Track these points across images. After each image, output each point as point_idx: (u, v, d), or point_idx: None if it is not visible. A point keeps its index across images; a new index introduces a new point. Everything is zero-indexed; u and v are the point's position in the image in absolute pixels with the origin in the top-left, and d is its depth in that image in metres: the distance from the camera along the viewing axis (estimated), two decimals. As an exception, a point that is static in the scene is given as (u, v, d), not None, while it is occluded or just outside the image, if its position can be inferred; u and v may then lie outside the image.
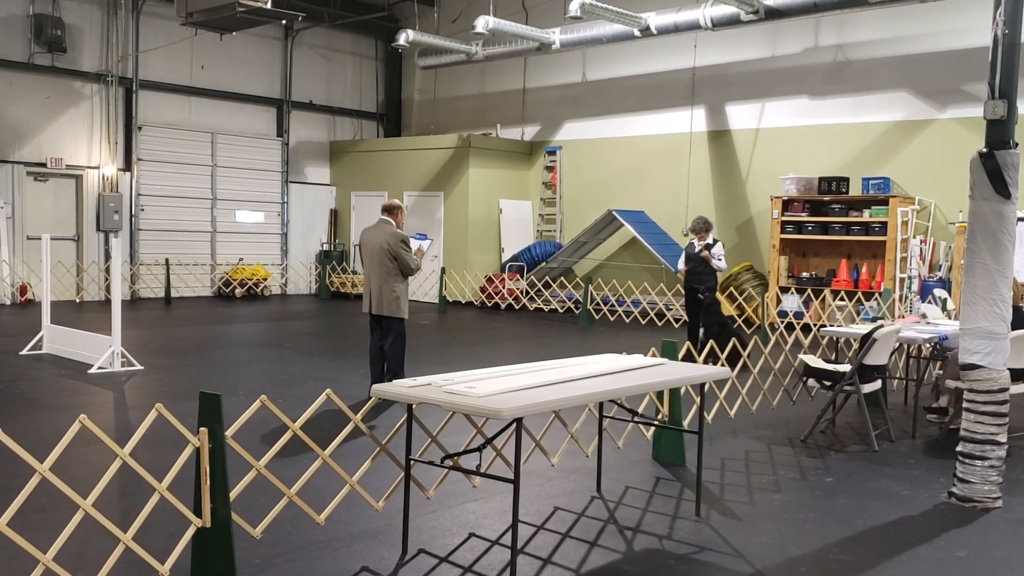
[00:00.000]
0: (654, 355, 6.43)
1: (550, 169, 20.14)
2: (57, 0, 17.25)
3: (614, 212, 17.44)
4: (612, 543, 4.91)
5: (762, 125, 17.13)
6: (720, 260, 11.41)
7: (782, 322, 14.80)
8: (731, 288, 16.42)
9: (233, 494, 4.11)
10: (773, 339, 9.01)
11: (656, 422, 6.50)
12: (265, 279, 20.26)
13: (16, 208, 17.13)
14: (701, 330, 11.31)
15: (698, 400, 5.62)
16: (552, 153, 20.08)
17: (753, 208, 17.19)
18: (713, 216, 17.63)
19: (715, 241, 11.59)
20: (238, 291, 19.77)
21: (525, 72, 20.61)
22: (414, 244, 8.83)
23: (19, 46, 16.99)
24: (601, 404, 5.88)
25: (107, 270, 18.01)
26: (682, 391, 6.65)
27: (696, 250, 11.48)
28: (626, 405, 5.88)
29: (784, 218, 15.78)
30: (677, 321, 16.23)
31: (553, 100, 20.23)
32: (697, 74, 17.82)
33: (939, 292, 11.30)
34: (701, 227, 11.56)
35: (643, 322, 16.43)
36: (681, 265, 11.85)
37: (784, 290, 15.84)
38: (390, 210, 8.69)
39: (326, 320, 16.12)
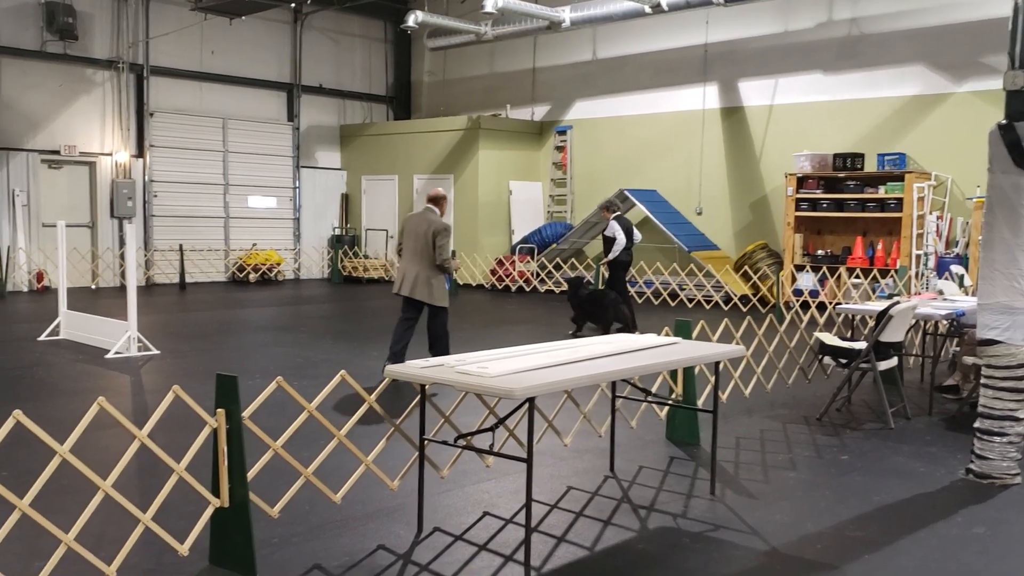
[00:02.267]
0: (667, 334, 6.42)
1: (560, 149, 20.08)
2: (67, -13, 17.28)
3: (626, 191, 17.38)
4: (626, 522, 4.93)
5: (776, 101, 17.01)
6: (616, 243, 12.78)
7: (797, 300, 14.76)
8: (746, 266, 16.37)
9: (251, 474, 4.14)
10: (788, 317, 8.98)
11: (670, 401, 6.50)
12: (278, 264, 20.33)
13: (31, 196, 17.24)
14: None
15: (712, 379, 5.62)
16: (563, 133, 20.01)
17: (767, 185, 17.10)
18: (727, 194, 17.59)
19: (612, 220, 12.95)
20: (252, 276, 19.84)
21: (535, 51, 20.52)
22: None
23: (31, 34, 17.04)
24: (614, 384, 5.88)
25: (122, 256, 18.11)
26: (696, 370, 6.65)
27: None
28: (639, 385, 5.88)
29: (799, 195, 15.70)
30: (691, 301, 16.20)
31: (563, 79, 20.13)
32: (709, 50, 17.69)
33: (956, 268, 11.23)
34: (604, 206, 13.23)
35: (656, 302, 16.41)
36: (628, 240, 13.00)
37: (799, 268, 15.77)
38: (436, 200, 8.93)
39: (339, 304, 16.17)
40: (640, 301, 16.51)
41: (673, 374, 6.58)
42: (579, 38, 19.58)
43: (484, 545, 4.53)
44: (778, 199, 16.63)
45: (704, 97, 17.80)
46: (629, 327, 11.77)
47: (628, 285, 13.58)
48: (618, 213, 13.41)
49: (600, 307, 12.01)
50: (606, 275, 13.37)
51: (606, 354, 4.97)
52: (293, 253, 21.37)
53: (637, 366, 4.83)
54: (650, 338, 5.62)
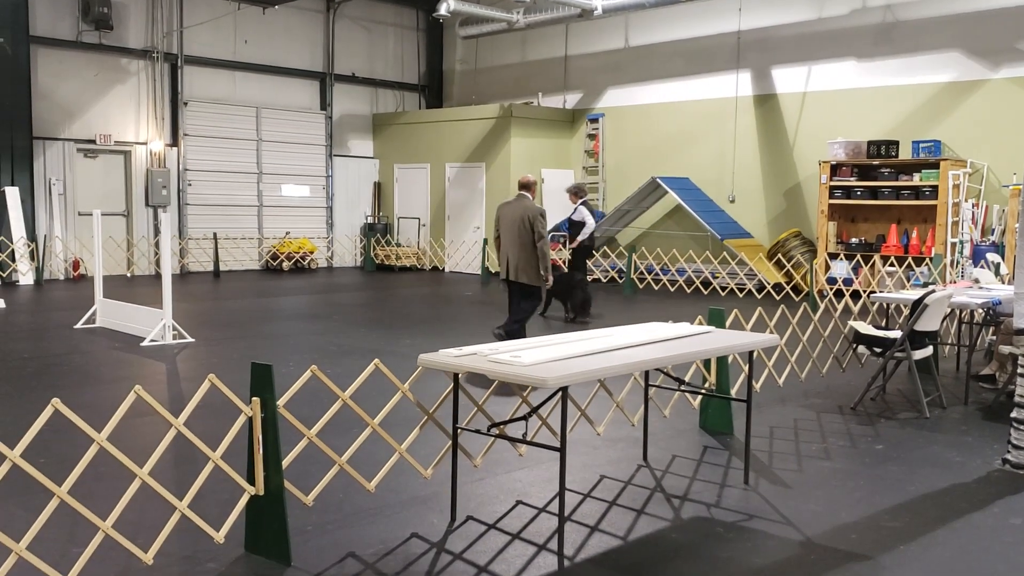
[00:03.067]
0: (700, 323, 6.38)
1: (592, 137, 19.99)
2: (102, -22, 17.45)
3: (658, 179, 17.29)
4: (659, 511, 4.92)
5: (809, 89, 16.81)
6: (585, 227, 13.33)
7: (831, 289, 14.61)
8: (779, 254, 16.23)
9: (285, 462, 4.17)
10: (822, 306, 8.88)
11: (703, 391, 6.47)
12: (311, 252, 20.46)
13: (67, 185, 17.48)
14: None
15: (746, 368, 5.57)
16: (594, 121, 19.92)
17: (801, 173, 16.92)
18: (760, 181, 17.43)
19: (579, 205, 13.42)
20: (285, 264, 19.99)
21: (567, 39, 20.42)
22: None
23: (67, 25, 17.25)
24: (647, 373, 5.85)
25: (156, 245, 18.32)
26: (729, 359, 6.60)
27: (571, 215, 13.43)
28: (672, 374, 5.85)
29: (832, 183, 15.52)
30: (724, 289, 16.09)
31: (595, 67, 20.02)
32: (742, 37, 17.50)
33: (992, 256, 11.05)
34: (571, 191, 13.58)
35: (688, 290, 16.33)
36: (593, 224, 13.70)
37: (833, 256, 15.61)
38: (527, 186, 9.40)
39: (372, 292, 16.25)
40: (672, 289, 16.44)
41: (706, 363, 6.55)
42: (611, 25, 19.45)
43: (517, 534, 4.54)
44: (811, 187, 16.45)
45: (737, 84, 17.62)
46: (586, 311, 12.30)
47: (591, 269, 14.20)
48: (585, 198, 13.84)
49: (569, 287, 12.31)
50: (568, 259, 13.97)
51: (639, 343, 4.95)
52: (326, 241, 21.49)
53: (671, 355, 4.80)
54: (684, 327, 5.58)
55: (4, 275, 16.13)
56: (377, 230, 21.60)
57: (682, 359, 4.93)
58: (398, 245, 21.43)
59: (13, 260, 16.19)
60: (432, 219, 21.22)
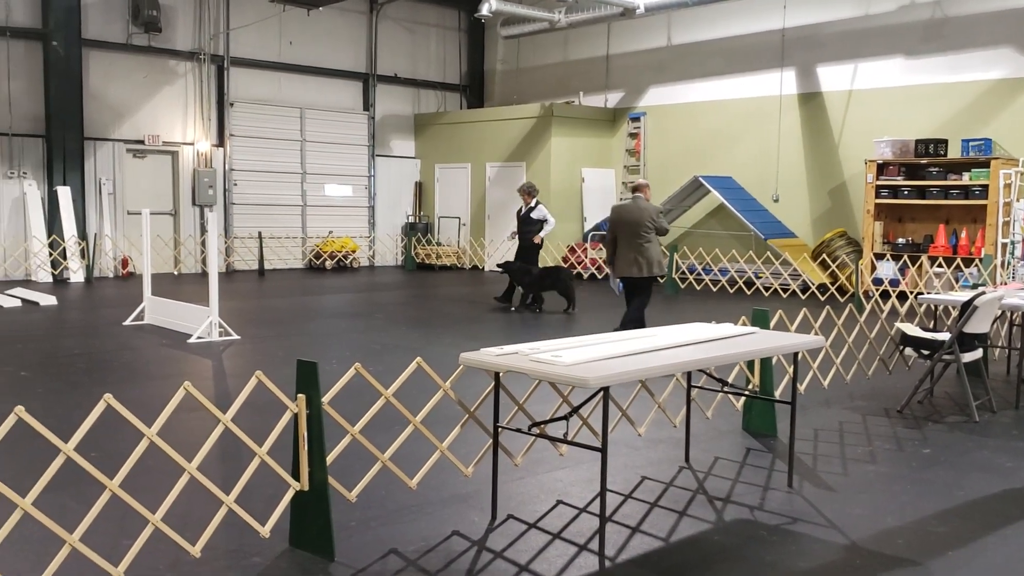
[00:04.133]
0: (744, 324, 6.33)
1: (634, 136, 19.91)
2: (151, -19, 17.77)
3: (700, 178, 17.17)
4: (702, 513, 4.89)
5: (855, 87, 16.58)
6: (547, 223, 13.62)
7: (877, 290, 14.40)
8: (824, 255, 16.03)
9: (329, 459, 4.22)
10: (868, 307, 8.76)
11: (746, 392, 6.41)
12: (354, 251, 20.64)
13: (117, 184, 17.82)
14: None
15: (790, 370, 5.52)
16: (636, 119, 19.84)
17: (846, 172, 16.70)
18: (804, 181, 17.24)
19: (537, 203, 13.65)
20: (328, 263, 20.19)
21: (608, 38, 20.36)
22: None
23: (118, 27, 17.58)
24: (689, 374, 5.82)
25: (203, 243, 18.61)
26: (773, 361, 6.54)
27: (522, 212, 13.72)
28: (715, 375, 5.81)
29: (879, 182, 15.29)
30: (767, 290, 15.94)
31: (637, 66, 19.94)
32: (787, 35, 17.32)
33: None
34: (524, 190, 13.70)
35: (731, 291, 16.20)
36: (514, 227, 14.15)
37: (879, 257, 15.38)
38: (642, 187, 10.11)
39: (412, 291, 16.35)
40: (715, 289, 16.32)
41: (750, 364, 6.49)
42: (653, 24, 19.36)
43: (558, 534, 4.54)
44: (857, 186, 16.23)
45: (781, 82, 17.44)
46: (538, 304, 13.19)
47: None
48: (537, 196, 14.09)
49: (559, 280, 12.98)
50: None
51: (682, 343, 4.93)
52: (368, 240, 21.67)
53: (714, 356, 4.77)
54: (727, 328, 5.54)
55: (56, 272, 16.49)
56: (418, 229, 21.73)
57: (725, 360, 4.89)
58: (438, 244, 21.54)
59: (64, 258, 16.54)
60: (472, 218, 21.29)
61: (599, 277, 18.44)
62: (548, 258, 19.03)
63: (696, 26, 18.75)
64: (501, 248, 20.21)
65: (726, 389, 6.02)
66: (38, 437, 3.48)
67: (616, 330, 8.42)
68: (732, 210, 16.76)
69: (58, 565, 3.49)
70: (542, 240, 13.84)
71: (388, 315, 12.81)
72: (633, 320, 9.98)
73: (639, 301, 10.13)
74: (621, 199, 20.27)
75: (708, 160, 18.37)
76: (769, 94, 17.62)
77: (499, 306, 13.50)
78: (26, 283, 15.86)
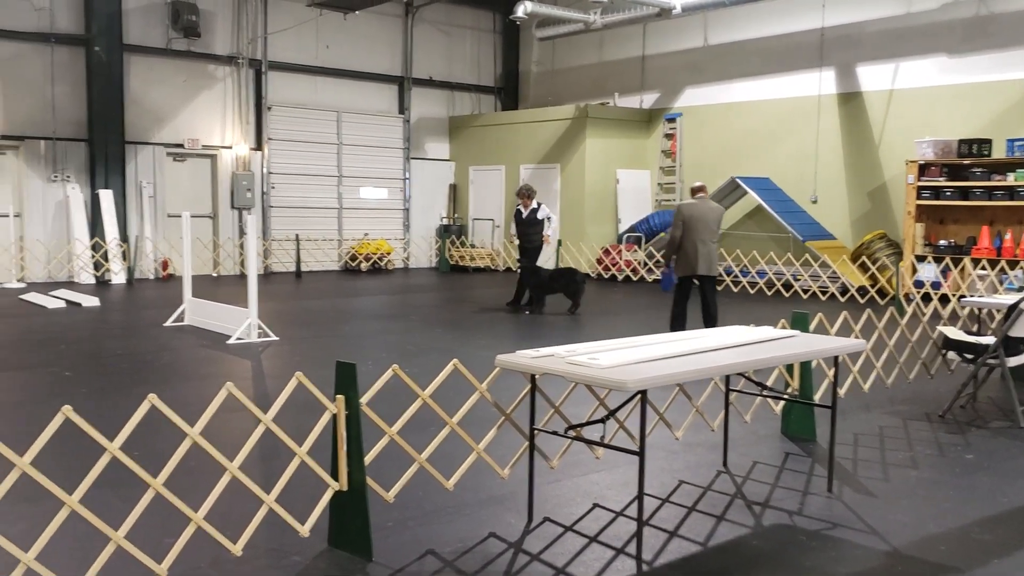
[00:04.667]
0: (784, 327, 6.27)
1: (670, 137, 19.81)
2: (191, -13, 18.02)
3: (737, 179, 17.04)
4: (740, 517, 4.85)
5: (896, 86, 16.36)
6: (550, 223, 13.57)
7: (918, 292, 14.20)
8: (863, 257, 15.83)
9: (367, 459, 4.24)
10: (910, 310, 8.63)
11: (786, 396, 6.35)
12: (388, 253, 20.75)
13: (157, 187, 18.07)
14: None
15: (830, 373, 5.46)
16: (672, 120, 19.74)
17: (886, 173, 16.48)
18: (843, 182, 17.05)
19: (539, 204, 13.54)
20: (363, 265, 20.32)
21: (644, 39, 20.28)
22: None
23: (158, 33, 17.84)
24: (728, 377, 5.78)
25: (241, 246, 18.82)
26: (813, 364, 6.47)
27: (523, 215, 13.51)
28: (754, 378, 5.76)
29: (920, 183, 15.07)
30: (805, 292, 15.78)
31: (673, 66, 19.85)
32: (826, 34, 17.14)
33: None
34: (525, 193, 13.50)
35: (768, 293, 16.05)
36: (513, 229, 14.00)
37: (920, 259, 15.15)
38: (704, 189, 10.45)
39: (447, 293, 16.40)
40: (752, 292, 16.19)
41: (789, 367, 6.43)
42: (690, 24, 19.26)
43: (595, 537, 4.53)
44: (898, 187, 16.01)
45: (820, 82, 17.26)
46: (539, 305, 13.33)
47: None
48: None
49: (572, 281, 13.14)
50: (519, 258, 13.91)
51: (721, 347, 4.89)
52: (402, 242, 21.77)
53: (753, 359, 4.73)
54: (766, 330, 5.50)
55: (98, 274, 16.76)
56: (452, 231, 21.80)
57: (765, 363, 4.85)
58: (472, 246, 21.59)
59: (107, 260, 16.81)
60: (506, 220, 21.30)
61: (633, 279, 18.37)
62: (570, 259, 19.01)
63: (733, 26, 18.62)
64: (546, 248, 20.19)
65: (765, 393, 5.97)
66: (83, 436, 3.55)
67: (670, 328, 8.72)
68: (770, 211, 16.61)
69: (104, 562, 3.55)
70: (539, 245, 13.67)
71: (422, 317, 12.87)
72: (709, 318, 10.18)
73: (707, 300, 10.26)
74: (662, 200, 20.18)
75: (745, 161, 18.23)
76: (807, 94, 17.45)
77: (536, 310, 13.46)
78: (69, 284, 16.14)
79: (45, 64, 16.62)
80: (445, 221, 22.41)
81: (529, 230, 13.52)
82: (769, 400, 6.75)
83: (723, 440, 5.89)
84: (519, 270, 13.67)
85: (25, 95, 16.52)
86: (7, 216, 16.37)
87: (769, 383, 6.48)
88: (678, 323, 10.35)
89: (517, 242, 13.86)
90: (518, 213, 13.68)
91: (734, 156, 18.49)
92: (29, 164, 16.69)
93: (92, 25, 16.71)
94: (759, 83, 18.27)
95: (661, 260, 15.34)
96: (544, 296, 13.37)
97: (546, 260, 19.31)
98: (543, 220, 13.52)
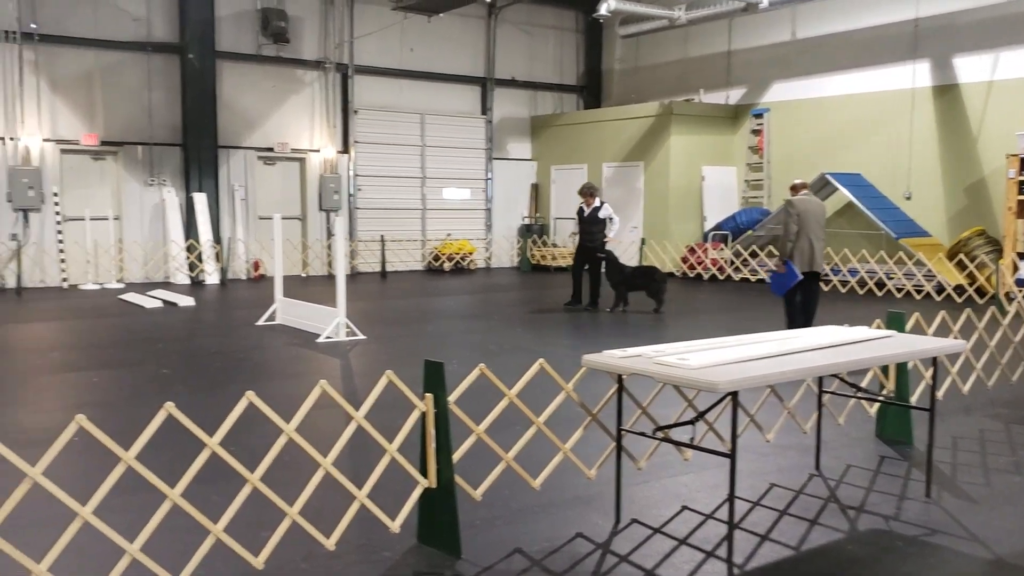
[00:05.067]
0: (879, 327, 6.09)
1: (757, 133, 19.45)
2: (280, -6, 18.49)
3: (827, 175, 16.63)
4: (834, 522, 4.73)
5: (996, 77, 15.72)
6: (612, 224, 13.41)
7: (1020, 291, 13.62)
8: (960, 254, 15.27)
9: (455, 457, 4.28)
10: (1012, 309, 8.30)
11: (881, 398, 6.16)
12: (471, 253, 20.90)
13: (248, 190, 18.57)
14: (622, 285, 13.24)
15: (928, 375, 5.28)
16: (759, 116, 19.38)
17: (985, 168, 15.86)
18: (939, 177, 16.49)
19: (602, 203, 13.46)
20: (446, 265, 20.51)
21: (730, 34, 19.96)
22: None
23: (248, 39, 18.34)
24: (821, 378, 5.64)
25: (329, 247, 19.21)
26: (910, 365, 6.27)
27: (585, 214, 13.43)
28: (848, 380, 5.62)
29: (1022, 178, 14.45)
30: (899, 291, 15.31)
31: (760, 61, 19.48)
32: (920, 25, 16.58)
33: None
34: (587, 191, 13.43)
35: (860, 292, 15.63)
36: (575, 227, 14.04)
37: (1022, 256, 14.53)
38: (806, 185, 10.31)
39: (528, 292, 16.43)
40: (843, 291, 15.80)
41: (884, 369, 6.24)
42: (777, 18, 18.87)
43: (684, 539, 4.47)
44: (998, 182, 15.38)
45: (914, 75, 16.71)
46: (594, 303, 13.34)
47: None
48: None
49: (652, 280, 13.07)
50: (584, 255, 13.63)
51: (814, 347, 4.78)
52: (484, 242, 21.90)
53: (849, 360, 4.61)
54: (861, 331, 5.35)
55: (193, 275, 17.32)
56: (533, 231, 21.83)
57: (860, 364, 4.72)
58: (554, 246, 21.57)
59: (201, 261, 17.35)
60: (591, 220, 21.21)
61: (720, 278, 18.11)
62: (654, 257, 18.81)
63: (823, 19, 18.17)
64: (617, 249, 20.06)
65: (859, 394, 5.81)
66: (182, 431, 3.67)
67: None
68: (861, 208, 16.17)
69: (203, 555, 3.66)
70: (605, 242, 13.55)
71: (504, 316, 12.92)
72: (809, 316, 9.98)
73: (813, 297, 10.08)
74: (749, 197, 19.84)
75: (835, 157, 17.77)
76: (901, 87, 16.91)
77: (617, 308, 13.37)
78: (165, 285, 16.72)
79: (142, 72, 17.25)
80: (527, 221, 22.46)
81: (591, 228, 13.40)
82: (863, 402, 6.56)
83: (815, 443, 5.75)
84: (601, 256, 13.41)
85: (123, 102, 17.17)
86: (107, 219, 17.05)
87: (863, 384, 6.31)
88: (799, 321, 9.99)
89: (577, 241, 13.79)
90: (580, 211, 13.61)
91: (824, 152, 18.05)
92: (127, 169, 17.34)
93: (186, 33, 17.27)
94: (850, 77, 17.79)
95: (762, 256, 15.01)
96: (626, 294, 13.25)
97: (630, 259, 19.22)
98: (605, 220, 13.37)
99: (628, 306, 13.25)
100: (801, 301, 10.00)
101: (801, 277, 9.71)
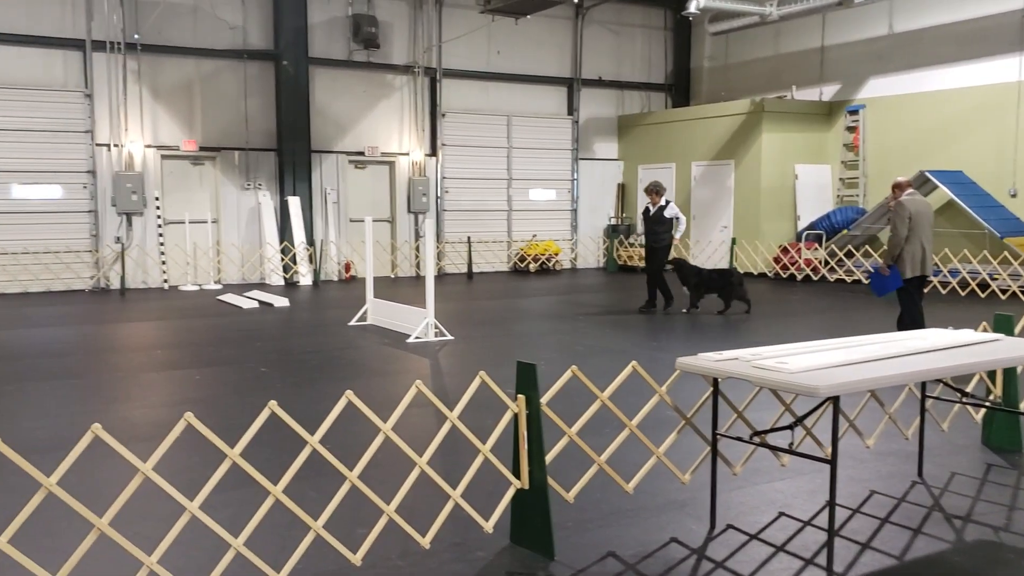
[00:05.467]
0: (985, 330, 5.86)
1: (852, 130, 18.93)
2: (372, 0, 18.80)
3: (927, 173, 16.07)
4: (938, 531, 4.56)
5: (1110, 67, 14.95)
6: (679, 224, 13.11)
7: None
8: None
9: (547, 459, 4.28)
10: None
11: (987, 403, 5.92)
12: (556, 254, 20.89)
13: (340, 193, 18.96)
14: (688, 286, 13.07)
15: (1040, 380, 5.05)
16: (854, 112, 18.85)
17: (1098, 163, 15.09)
18: (1047, 174, 15.76)
19: (668, 202, 13.15)
20: (532, 266, 20.55)
21: (823, 29, 19.47)
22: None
23: (340, 45, 18.71)
24: (924, 383, 5.45)
25: (417, 248, 19.47)
26: (1019, 370, 6.01)
27: (651, 213, 13.17)
28: (953, 384, 5.42)
29: None
30: (1004, 292, 14.69)
31: (855, 56, 18.94)
32: (1027, 15, 15.89)
33: None
34: (653, 189, 13.10)
35: (962, 293, 15.06)
36: (641, 227, 13.97)
37: None
38: (912, 183, 9.94)
39: (614, 293, 16.32)
40: (944, 292, 15.25)
41: (991, 374, 6.00)
42: (873, 12, 18.33)
43: (781, 546, 4.38)
44: (1113, 177, 14.63)
45: (1021, 68, 15.99)
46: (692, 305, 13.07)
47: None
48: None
49: (728, 284, 12.86)
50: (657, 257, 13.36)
51: (918, 351, 4.63)
52: (570, 243, 21.86)
53: (955, 364, 4.44)
54: (967, 334, 5.15)
55: (287, 276, 17.76)
56: (620, 231, 21.69)
57: (967, 369, 4.54)
58: (641, 246, 21.36)
59: (295, 263, 17.79)
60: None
61: (814, 279, 17.68)
62: (745, 257, 18.47)
63: (921, 11, 17.57)
64: (707, 249, 19.82)
65: (965, 400, 5.60)
66: (279, 429, 3.76)
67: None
68: (963, 206, 15.57)
69: (303, 551, 3.75)
70: (669, 244, 13.26)
71: (591, 317, 12.86)
72: (916, 321, 9.49)
73: (918, 300, 9.62)
74: (844, 195, 19.33)
75: (935, 154, 17.15)
76: (1005, 81, 16.22)
77: (709, 309, 13.18)
78: (261, 286, 17.19)
79: (238, 79, 17.78)
80: (613, 221, 22.33)
81: (657, 228, 13.14)
82: (969, 408, 6.32)
83: (918, 449, 5.56)
84: (671, 264, 13.26)
85: (221, 109, 17.72)
86: (205, 222, 17.63)
87: (968, 389, 6.08)
88: (919, 323, 9.54)
89: (643, 241, 13.56)
90: (646, 211, 13.37)
91: (922, 149, 17.45)
92: (224, 173, 17.89)
93: (280, 41, 17.73)
94: (950, 71, 17.15)
95: (864, 259, 14.45)
96: (700, 296, 13.03)
97: (719, 259, 18.93)
98: (671, 219, 13.11)
99: (698, 309, 13.10)
100: (911, 304, 9.54)
101: (902, 283, 9.31)
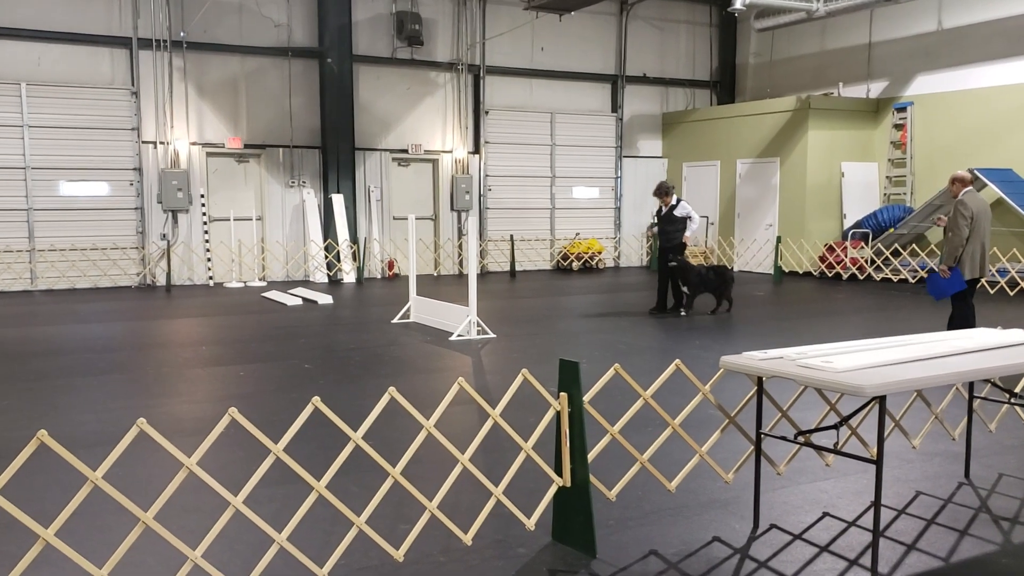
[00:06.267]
0: (1036, 330, 5.73)
1: (899, 127, 18.63)
2: (414, -2, 18.92)
3: (976, 171, 15.75)
4: (986, 533, 4.49)
5: None
6: (691, 223, 12.83)
7: None
8: None
9: (589, 457, 4.29)
10: None
11: (1038, 405, 5.81)
12: (599, 252, 20.84)
13: (383, 191, 19.10)
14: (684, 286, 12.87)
15: (1094, 382, 4.94)
16: (902, 110, 18.55)
17: None
18: (1103, 171, 15.37)
19: (679, 201, 12.96)
20: (575, 264, 20.52)
21: (871, 25, 19.18)
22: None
23: (384, 43, 18.85)
24: (971, 383, 5.36)
25: (460, 246, 19.54)
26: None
27: (663, 213, 13.03)
28: (1001, 385, 5.32)
29: None
30: (1056, 292, 14.37)
31: (903, 53, 18.63)
32: (1083, 8, 15.50)
33: None
34: (663, 191, 12.95)
35: (1011, 292, 14.75)
36: (655, 227, 13.66)
37: None
38: (973, 180, 9.73)
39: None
40: (992, 292, 14.95)
41: (1043, 375, 5.87)
42: (921, 8, 18.01)
43: (825, 547, 4.34)
44: None
45: (1076, 61, 15.63)
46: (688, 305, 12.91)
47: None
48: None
49: (724, 281, 12.85)
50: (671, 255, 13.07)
51: (965, 351, 4.55)
52: (613, 242, 21.79)
53: (1002, 365, 4.36)
54: (1016, 334, 5.06)
55: (331, 273, 17.94)
56: (665, 230, 21.54)
57: (1014, 370, 4.46)
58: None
59: (339, 260, 17.96)
60: (720, 217, 20.83)
61: (860, 278, 17.44)
62: (789, 255, 18.26)
63: (971, 7, 17.23)
64: (752, 247, 19.64)
65: (1013, 400, 5.50)
66: (322, 424, 3.81)
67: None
68: (1012, 205, 15.25)
69: (346, 546, 3.80)
70: (683, 243, 13.00)
71: (634, 316, 12.82)
72: (969, 322, 9.29)
73: (971, 301, 9.38)
74: (891, 194, 19.04)
75: (984, 151, 16.82)
76: (1060, 75, 15.86)
77: (752, 308, 13.07)
78: (305, 283, 17.38)
79: (283, 77, 17.98)
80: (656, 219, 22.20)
81: (668, 227, 12.96)
82: (1017, 408, 6.20)
83: (965, 450, 5.47)
84: (673, 263, 12.97)
85: (266, 107, 17.95)
86: (250, 220, 17.87)
87: (1017, 389, 5.97)
88: (971, 322, 9.32)
89: (656, 241, 13.41)
90: (659, 211, 13.25)
91: (971, 146, 17.11)
92: (269, 171, 18.12)
93: (325, 38, 17.89)
94: (1002, 67, 16.80)
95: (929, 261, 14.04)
96: (696, 295, 12.83)
97: (765, 257, 18.75)
98: (683, 218, 12.88)
99: (693, 309, 12.92)
100: (964, 305, 9.29)
101: (965, 286, 9.01)
